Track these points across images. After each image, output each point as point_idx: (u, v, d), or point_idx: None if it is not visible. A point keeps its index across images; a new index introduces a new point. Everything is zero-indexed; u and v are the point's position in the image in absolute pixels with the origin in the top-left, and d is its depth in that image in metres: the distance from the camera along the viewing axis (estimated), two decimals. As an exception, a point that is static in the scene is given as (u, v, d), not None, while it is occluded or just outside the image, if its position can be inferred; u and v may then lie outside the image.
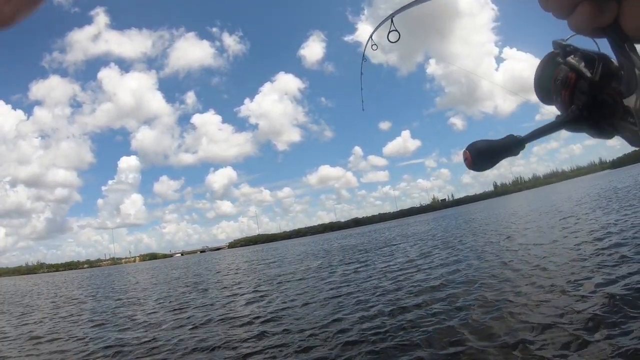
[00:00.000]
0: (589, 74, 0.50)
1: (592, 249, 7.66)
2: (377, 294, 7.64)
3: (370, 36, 3.69)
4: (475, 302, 5.57)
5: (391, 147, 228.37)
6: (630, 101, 0.45)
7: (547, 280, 6.03)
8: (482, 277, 7.16)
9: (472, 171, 0.53)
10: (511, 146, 0.52)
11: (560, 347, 3.56)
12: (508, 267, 7.61)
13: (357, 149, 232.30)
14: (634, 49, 0.43)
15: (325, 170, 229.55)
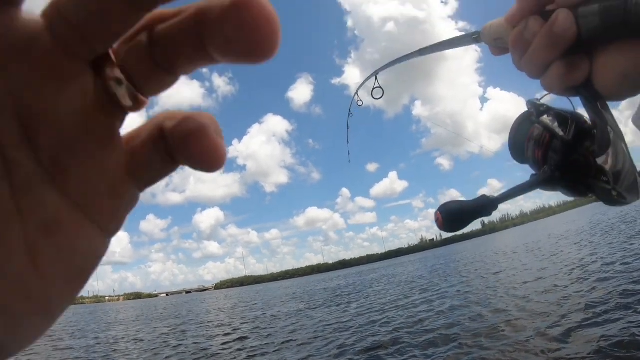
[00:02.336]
0: (562, 134, 0.49)
1: (561, 292, 7.82)
2: (349, 336, 7.68)
3: (356, 92, 4.02)
4: (442, 349, 5.66)
5: (378, 188, 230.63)
6: (603, 160, 0.45)
7: (510, 329, 6.17)
8: (452, 323, 7.28)
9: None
10: (484, 207, 0.49)
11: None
12: (474, 313, 7.75)
13: (345, 191, 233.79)
14: (607, 107, 0.43)
15: (313, 212, 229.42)
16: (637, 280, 6.79)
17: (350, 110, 4.58)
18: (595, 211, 47.61)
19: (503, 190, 0.52)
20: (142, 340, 12.41)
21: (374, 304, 12.32)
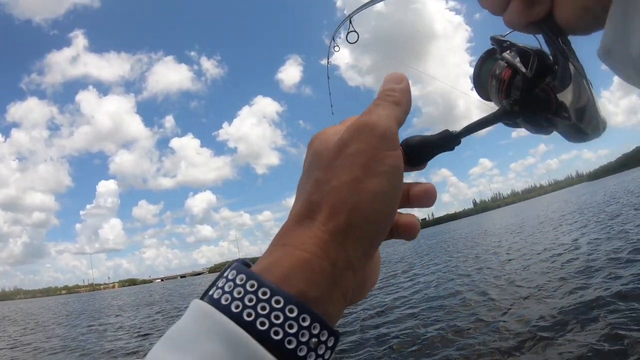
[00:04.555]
0: (523, 70, 0.49)
1: (542, 269, 8.02)
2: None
3: (333, 38, 3.97)
4: (414, 330, 5.77)
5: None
6: (564, 96, 0.45)
7: (487, 309, 6.33)
8: (432, 303, 7.44)
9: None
10: (447, 141, 0.49)
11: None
12: (458, 292, 7.97)
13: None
14: (568, 43, 0.43)
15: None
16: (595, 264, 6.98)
17: (328, 59, 4.75)
18: (584, 191, 48.24)
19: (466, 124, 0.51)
20: (136, 325, 12.61)
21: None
